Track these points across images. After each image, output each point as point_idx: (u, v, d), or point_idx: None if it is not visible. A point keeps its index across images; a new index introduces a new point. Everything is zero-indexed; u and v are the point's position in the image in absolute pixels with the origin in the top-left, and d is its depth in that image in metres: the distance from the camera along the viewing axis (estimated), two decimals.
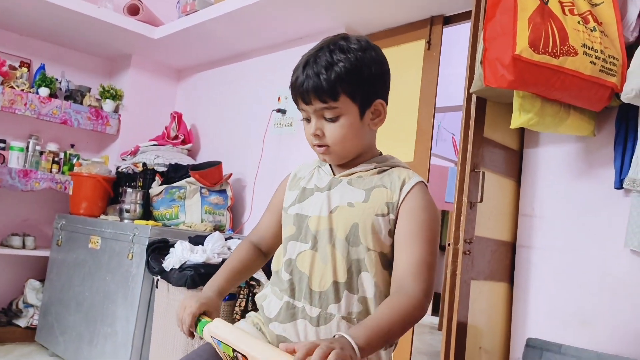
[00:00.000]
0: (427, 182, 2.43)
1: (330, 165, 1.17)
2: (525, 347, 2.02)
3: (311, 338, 1.04)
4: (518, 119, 1.80)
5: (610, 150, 1.94)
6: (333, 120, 1.05)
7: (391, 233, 1.06)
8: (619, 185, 1.87)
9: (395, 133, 2.64)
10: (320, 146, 1.09)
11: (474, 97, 1.95)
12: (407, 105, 2.61)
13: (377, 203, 1.06)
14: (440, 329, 5.32)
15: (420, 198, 1.06)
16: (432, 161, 2.58)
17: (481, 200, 1.93)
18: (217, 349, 0.98)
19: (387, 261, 1.06)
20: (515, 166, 2.20)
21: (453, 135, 5.21)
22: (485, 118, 2.01)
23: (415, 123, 2.56)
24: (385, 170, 1.12)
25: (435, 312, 6.19)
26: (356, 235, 1.05)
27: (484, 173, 1.94)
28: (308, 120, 1.09)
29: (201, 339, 1.04)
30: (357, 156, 1.12)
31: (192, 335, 1.05)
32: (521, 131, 2.21)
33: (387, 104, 1.12)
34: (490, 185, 2.01)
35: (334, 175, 1.14)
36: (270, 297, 1.15)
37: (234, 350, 0.90)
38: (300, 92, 1.05)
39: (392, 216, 1.05)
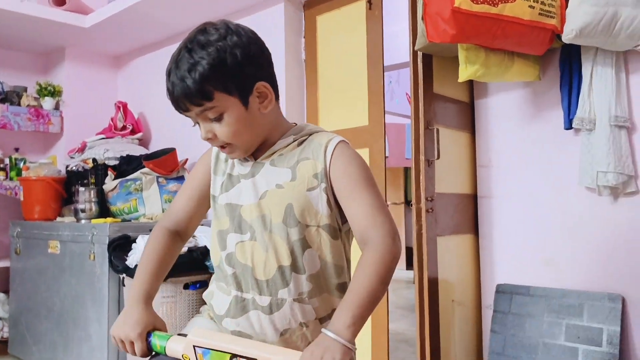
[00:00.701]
0: (385, 141, 2.44)
1: None
2: (495, 293, 2.07)
3: (266, 327, 1.03)
4: (465, 72, 1.79)
5: (557, 92, 1.96)
6: (218, 119, 1.00)
7: (329, 202, 1.03)
8: (569, 125, 1.90)
9: (346, 99, 2.61)
10: (221, 147, 1.05)
11: (420, 54, 1.93)
12: (354, 68, 2.57)
13: (305, 178, 1.04)
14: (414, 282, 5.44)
15: (345, 156, 1.04)
16: (389, 120, 2.56)
17: (438, 157, 1.94)
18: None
19: (333, 230, 1.04)
20: (467, 119, 2.21)
21: (407, 92, 5.21)
22: (433, 74, 1.99)
23: (365, 86, 2.53)
24: (304, 140, 1.08)
25: (409, 266, 6.32)
26: (292, 215, 1.02)
27: (438, 130, 1.93)
28: (197, 123, 1.04)
29: (155, 355, 0.99)
30: (266, 139, 1.08)
31: (147, 350, 0.99)
32: (470, 83, 2.21)
33: (272, 82, 1.05)
34: (446, 140, 2.02)
35: (255, 159, 1.09)
36: (217, 293, 1.11)
37: (232, 356, 0.86)
38: (173, 100, 1.00)
39: (323, 185, 1.03)
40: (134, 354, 0.99)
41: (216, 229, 1.11)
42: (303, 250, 1.03)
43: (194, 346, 0.90)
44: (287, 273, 1.03)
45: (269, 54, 1.07)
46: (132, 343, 0.99)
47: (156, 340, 0.97)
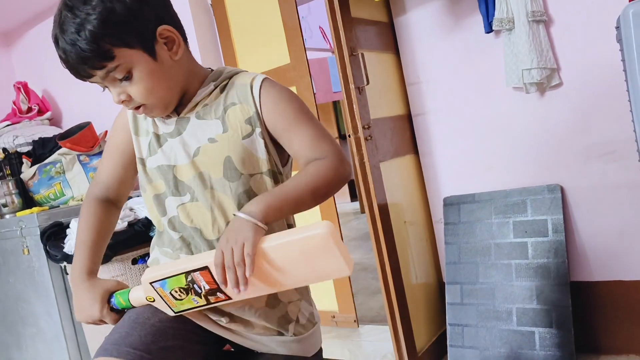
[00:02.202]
0: (311, 78, 2.38)
1: None
2: (443, 207, 2.12)
3: None
4: None
5: None
6: (127, 78, 0.90)
7: (266, 146, 0.97)
8: (489, 29, 1.90)
9: (263, 39, 2.49)
10: (137, 108, 0.95)
11: None
12: (266, 6, 2.44)
13: (237, 126, 0.97)
14: (362, 211, 5.55)
15: (274, 93, 0.97)
16: (309, 56, 2.48)
17: (367, 83, 1.90)
18: (159, 295, 0.90)
19: (274, 174, 1.00)
20: (390, 39, 2.16)
21: (320, 26, 5.08)
22: None
23: (280, 23, 2.42)
24: (226, 84, 1.00)
25: (354, 198, 6.42)
26: (233, 168, 0.96)
27: (363, 55, 1.88)
28: (106, 86, 0.94)
29: (125, 310, 0.97)
30: (185, 90, 0.99)
31: (116, 315, 0.97)
32: (386, 2, 2.15)
33: (176, 24, 0.95)
34: (372, 64, 1.97)
35: (178, 114, 1.00)
36: (163, 260, 1.05)
37: (187, 274, 0.86)
38: (71, 68, 0.89)
39: (258, 129, 0.97)
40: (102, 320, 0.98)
41: (151, 193, 1.03)
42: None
43: (150, 284, 0.89)
44: None
45: None
46: (101, 321, 0.97)
47: (119, 300, 0.95)
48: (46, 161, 2.61)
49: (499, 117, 2.00)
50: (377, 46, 2.07)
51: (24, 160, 2.65)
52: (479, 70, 2.01)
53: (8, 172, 2.64)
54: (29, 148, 2.72)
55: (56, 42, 0.88)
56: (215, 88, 1.00)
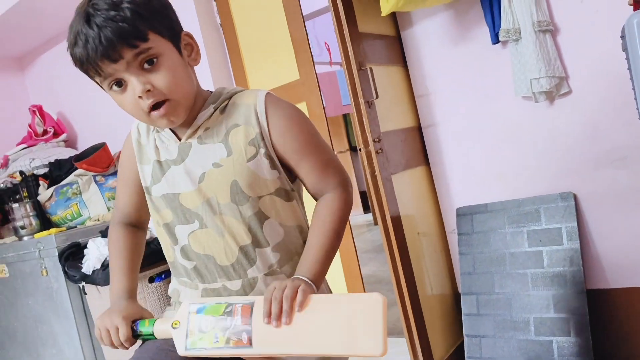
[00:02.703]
0: (320, 92, 2.40)
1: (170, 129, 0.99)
2: (456, 217, 2.12)
3: None
4: (386, 5, 1.76)
5: (479, 8, 1.95)
6: (154, 65, 0.87)
7: (274, 165, 0.96)
8: (496, 39, 1.91)
9: (272, 56, 2.53)
10: (157, 105, 0.89)
11: None
12: (274, 23, 2.48)
13: (241, 148, 0.94)
14: (376, 223, 5.55)
15: (281, 112, 0.95)
16: (318, 70, 2.51)
17: (377, 97, 1.91)
18: (186, 322, 0.87)
19: (285, 193, 0.99)
20: (398, 52, 2.18)
21: (325, 42, 5.12)
22: (355, 13, 1.94)
23: (288, 39, 2.45)
24: (226, 106, 0.97)
25: (367, 209, 6.42)
26: (240, 192, 0.94)
27: (371, 69, 1.90)
28: (120, 84, 0.88)
29: (145, 340, 0.95)
30: (192, 107, 0.96)
31: (131, 342, 0.94)
32: (393, 16, 2.17)
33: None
34: (381, 78, 1.99)
35: (179, 140, 0.97)
36: (182, 290, 1.04)
37: (229, 305, 0.85)
38: (100, 50, 0.83)
39: (262, 150, 0.94)
40: (119, 343, 0.94)
41: (160, 222, 1.01)
42: (261, 224, 0.96)
43: (190, 304, 0.88)
44: (250, 251, 0.96)
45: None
46: (117, 328, 0.93)
47: (143, 327, 0.93)
48: (63, 183, 2.66)
49: (509, 127, 2.01)
50: (385, 60, 2.09)
51: (41, 182, 2.70)
52: (487, 81, 2.02)
53: (25, 194, 2.69)
54: (46, 170, 2.77)
55: (86, 21, 0.83)
56: (215, 110, 0.97)
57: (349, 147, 6.46)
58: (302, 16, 2.42)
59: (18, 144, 3.03)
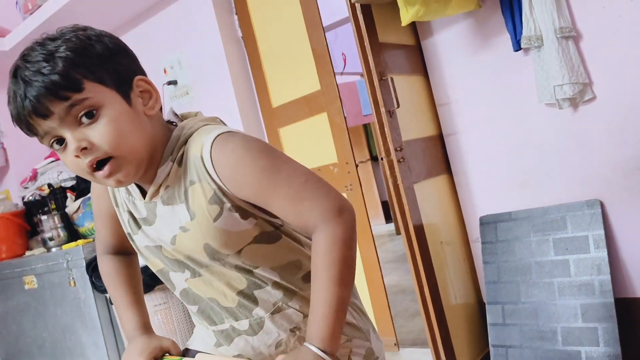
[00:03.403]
0: (341, 102, 2.41)
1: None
2: (480, 226, 2.10)
3: (259, 347, 0.93)
4: (406, 15, 1.76)
5: (500, 16, 1.95)
6: (92, 118, 0.75)
7: (245, 213, 0.84)
8: (517, 47, 1.90)
9: (293, 68, 2.55)
10: (99, 165, 0.77)
11: (358, 6, 1.88)
12: (295, 35, 2.51)
13: (203, 209, 0.82)
14: (398, 233, 5.52)
15: (225, 157, 0.80)
16: (338, 81, 2.52)
17: (398, 106, 1.92)
18: None
19: (267, 236, 0.88)
20: (418, 62, 2.19)
21: (343, 52, 5.15)
22: (375, 23, 1.96)
23: (309, 50, 2.48)
24: (182, 156, 0.84)
25: (389, 219, 6.40)
26: (216, 251, 0.84)
27: (392, 79, 1.91)
28: (60, 142, 0.78)
29: None
30: (151, 160, 0.84)
31: None
32: (413, 26, 2.18)
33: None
34: (401, 87, 2.00)
35: (144, 198, 0.87)
36: (198, 326, 1.01)
37: None
38: (28, 107, 0.73)
39: (227, 204, 0.82)
40: None
41: (154, 268, 0.95)
42: (253, 269, 0.88)
43: None
44: (249, 294, 0.89)
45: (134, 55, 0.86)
46: None
47: None
48: (89, 194, 2.71)
49: (532, 134, 1.99)
50: (405, 69, 2.10)
51: (69, 194, 2.76)
52: (510, 88, 2.01)
53: (53, 206, 2.75)
54: (73, 183, 2.83)
55: (14, 74, 0.75)
56: (173, 163, 0.84)
57: (370, 156, 6.45)
58: (323, 27, 2.45)
59: (46, 158, 3.11)
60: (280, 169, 0.80)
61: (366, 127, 6.49)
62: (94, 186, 1.00)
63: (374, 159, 6.42)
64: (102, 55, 0.78)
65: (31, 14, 2.73)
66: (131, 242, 0.94)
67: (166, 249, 0.89)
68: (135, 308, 0.99)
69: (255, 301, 0.89)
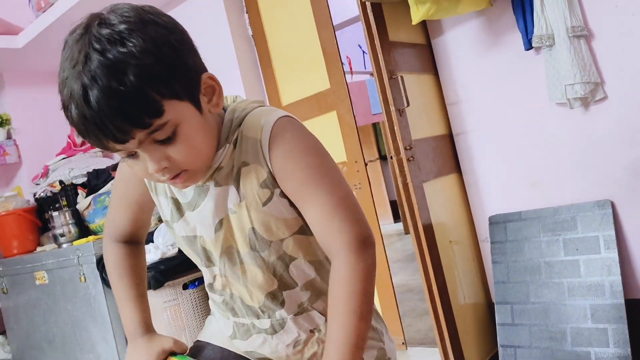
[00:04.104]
0: (351, 101, 2.41)
1: None
2: (489, 225, 2.09)
3: (276, 346, 0.92)
4: (417, 13, 1.76)
5: (511, 15, 1.94)
6: (171, 138, 0.72)
7: (292, 202, 0.83)
8: (529, 46, 1.89)
9: (303, 66, 2.56)
10: (175, 177, 0.76)
11: (368, 4, 1.88)
12: (305, 34, 2.51)
13: (254, 192, 0.81)
14: (406, 232, 5.51)
15: (283, 145, 0.78)
16: (347, 80, 2.52)
17: (408, 105, 1.92)
18: None
19: (309, 227, 0.85)
20: (428, 60, 2.18)
21: (347, 56, 5.15)
22: (386, 22, 1.96)
23: (319, 49, 2.48)
24: (236, 138, 0.82)
25: (397, 218, 6.39)
26: (260, 239, 0.83)
27: (402, 77, 1.91)
28: (132, 155, 0.74)
29: None
30: None
31: None
32: (424, 24, 2.18)
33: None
34: (411, 86, 2.00)
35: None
36: (217, 315, 1.00)
37: None
38: (102, 131, 0.67)
39: (277, 190, 0.81)
40: None
41: (186, 255, 0.94)
42: (287, 266, 0.86)
43: None
44: (278, 295, 0.88)
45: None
46: None
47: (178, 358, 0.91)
48: (100, 191, 2.73)
49: (543, 133, 1.98)
50: (415, 68, 2.09)
51: (80, 191, 2.78)
52: (520, 87, 2.00)
53: (64, 203, 2.78)
54: (84, 179, 2.86)
55: (83, 94, 0.65)
56: (229, 143, 0.82)
57: (379, 155, 6.44)
58: (333, 26, 2.45)
59: (58, 155, 3.14)
60: (326, 174, 0.79)
61: (375, 127, 6.48)
62: (123, 170, 0.94)
63: (382, 158, 6.41)
64: (174, 63, 0.70)
65: (44, 11, 2.76)
66: (170, 230, 0.92)
67: (205, 240, 0.87)
68: (138, 303, 0.95)
69: (282, 303, 0.88)
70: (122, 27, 0.67)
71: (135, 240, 1.01)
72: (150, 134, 0.69)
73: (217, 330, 1.00)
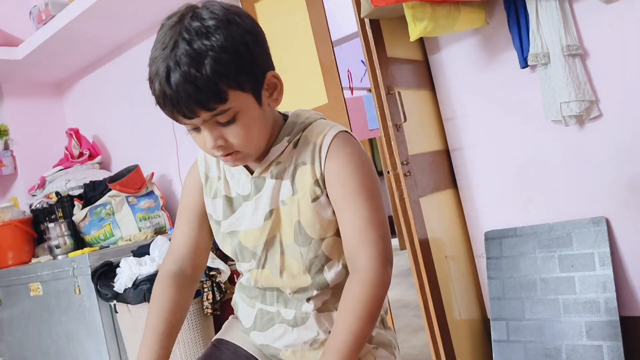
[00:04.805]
0: (349, 117, 2.43)
1: None
2: (484, 241, 2.10)
3: (294, 340, 0.97)
4: (415, 30, 1.78)
5: (507, 33, 1.97)
6: (231, 122, 0.83)
7: None
8: (524, 64, 1.92)
9: (301, 81, 2.58)
10: (226, 155, 0.88)
11: (367, 21, 1.91)
12: (303, 49, 2.53)
13: (307, 188, 0.91)
14: (402, 248, 5.50)
15: (341, 155, 0.89)
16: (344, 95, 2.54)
17: (405, 120, 1.93)
18: None
19: None
20: (425, 76, 2.21)
21: (348, 69, 5.19)
22: (384, 38, 1.98)
23: (317, 64, 2.50)
24: (298, 140, 0.93)
25: (392, 234, 6.38)
26: (303, 233, 0.91)
27: (399, 93, 1.92)
28: (196, 129, 0.86)
29: None
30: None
31: None
32: (421, 41, 2.20)
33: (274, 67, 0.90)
34: (409, 101, 2.01)
35: (252, 173, 0.95)
36: (241, 305, 1.05)
37: None
38: (175, 107, 0.80)
39: (325, 192, 0.91)
40: None
41: (226, 253, 1.01)
42: (323, 266, 0.94)
43: None
44: (310, 290, 0.95)
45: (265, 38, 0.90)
46: None
47: None
48: (97, 203, 2.73)
49: (538, 150, 2.00)
50: (413, 84, 2.11)
51: (76, 202, 2.77)
52: (516, 104, 2.02)
53: (60, 214, 2.77)
54: (81, 191, 2.85)
55: (166, 75, 0.77)
56: (289, 143, 0.93)
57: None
58: (331, 41, 2.47)
59: (55, 166, 3.13)
60: (371, 195, 0.88)
61: (372, 142, 6.51)
62: (187, 181, 1.04)
63: (379, 174, 6.42)
64: (245, 60, 0.81)
65: (44, 24, 2.77)
66: (217, 228, 0.99)
67: (246, 233, 0.94)
68: (162, 337, 0.95)
69: (309, 299, 0.95)
70: (210, 22, 0.79)
71: (189, 274, 1.02)
72: (214, 116, 0.81)
73: (235, 328, 1.07)
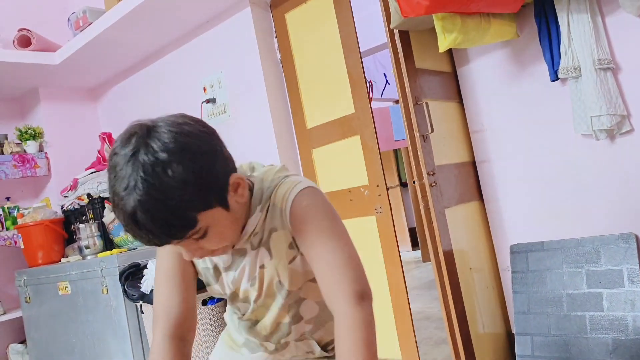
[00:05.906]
0: (375, 127, 2.44)
1: None
2: (510, 254, 2.08)
3: (274, 358, 1.12)
4: (444, 42, 1.79)
5: (537, 46, 1.96)
6: (204, 236, 0.85)
7: None
8: (555, 77, 1.91)
9: (329, 90, 2.60)
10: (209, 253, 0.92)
11: (397, 31, 1.93)
12: (332, 59, 2.56)
13: (282, 252, 0.97)
14: (424, 260, 5.46)
15: (301, 210, 0.93)
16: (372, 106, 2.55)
17: (432, 131, 1.94)
18: None
19: None
20: (453, 88, 2.21)
21: (370, 80, 5.21)
22: (413, 49, 1.99)
23: (345, 74, 2.52)
24: (268, 207, 0.96)
25: (415, 246, 6.34)
26: (282, 288, 1.00)
27: (427, 104, 1.93)
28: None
29: None
30: None
31: None
32: (450, 53, 2.21)
33: (233, 164, 0.91)
34: (436, 112, 2.02)
35: (232, 247, 0.98)
36: (231, 327, 1.17)
37: None
38: (146, 242, 0.81)
39: (300, 250, 0.97)
40: None
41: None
42: (299, 305, 1.04)
43: None
44: (286, 326, 1.06)
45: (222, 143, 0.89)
46: None
47: None
48: None
49: (568, 164, 1.98)
50: (440, 95, 2.12)
51: (106, 204, 2.84)
52: (545, 118, 2.01)
53: (91, 216, 2.84)
54: None
55: (133, 217, 0.77)
56: (261, 212, 0.96)
57: (399, 182, 6.43)
58: (360, 52, 2.49)
59: (87, 169, 3.22)
60: (332, 236, 0.91)
61: (396, 153, 6.50)
62: (161, 248, 1.02)
63: (403, 185, 6.40)
64: (208, 182, 0.81)
65: (81, 30, 2.86)
66: (209, 288, 1.07)
67: (233, 292, 1.04)
68: None
69: (288, 332, 1.07)
70: (162, 156, 0.77)
71: (181, 335, 1.01)
72: (186, 238, 0.83)
73: (227, 340, 1.19)
